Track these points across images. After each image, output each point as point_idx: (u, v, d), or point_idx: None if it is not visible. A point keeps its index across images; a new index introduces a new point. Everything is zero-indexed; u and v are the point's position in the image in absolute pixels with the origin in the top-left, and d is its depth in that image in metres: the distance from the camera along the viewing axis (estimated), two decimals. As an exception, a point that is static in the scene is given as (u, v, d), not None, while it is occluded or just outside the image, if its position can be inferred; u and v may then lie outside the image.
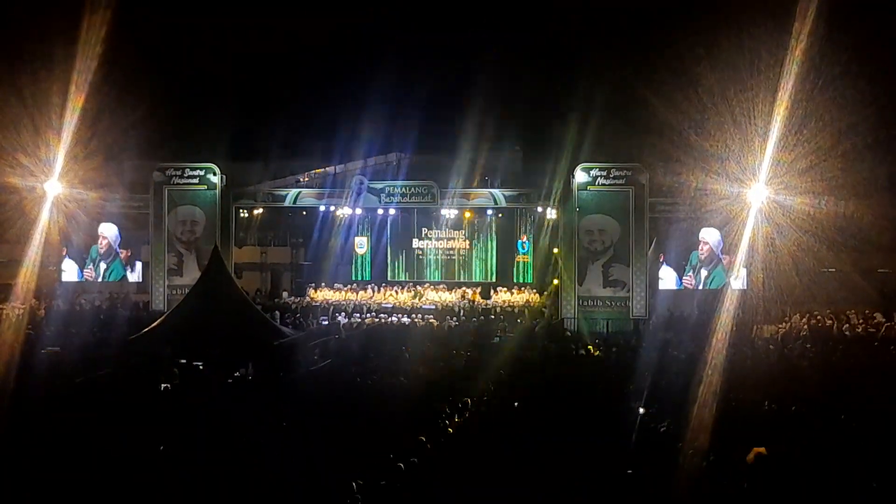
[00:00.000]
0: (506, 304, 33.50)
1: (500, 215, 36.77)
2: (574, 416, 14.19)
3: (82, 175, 31.10)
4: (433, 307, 33.03)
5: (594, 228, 31.40)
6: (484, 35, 35.84)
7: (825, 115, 26.89)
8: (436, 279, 37.05)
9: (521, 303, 33.67)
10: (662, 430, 14.12)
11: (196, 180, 32.64)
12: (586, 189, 31.48)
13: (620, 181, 31.39)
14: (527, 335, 28.74)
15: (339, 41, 38.70)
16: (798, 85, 26.48)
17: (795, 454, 12.21)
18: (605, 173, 31.40)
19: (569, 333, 29.93)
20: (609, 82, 31.61)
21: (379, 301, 33.89)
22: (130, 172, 33.25)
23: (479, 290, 34.78)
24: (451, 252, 37.90)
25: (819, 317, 29.62)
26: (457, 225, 37.38)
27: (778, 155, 27.73)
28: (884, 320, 29.44)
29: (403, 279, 37.22)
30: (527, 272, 37.32)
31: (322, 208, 34.67)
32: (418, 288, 35.08)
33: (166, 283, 32.39)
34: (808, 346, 25.81)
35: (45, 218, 30.98)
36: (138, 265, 33.66)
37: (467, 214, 36.09)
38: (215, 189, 32.57)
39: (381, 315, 32.30)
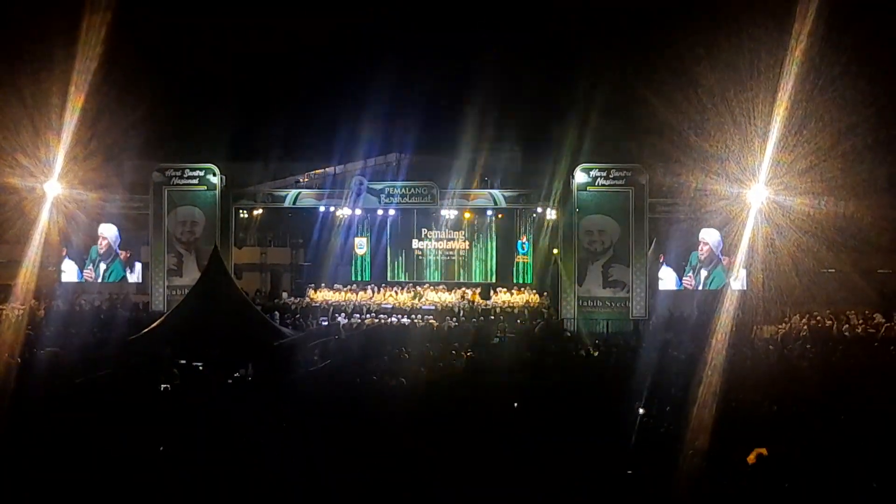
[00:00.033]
0: (506, 305, 33.48)
1: (499, 216, 36.78)
2: (574, 416, 14.18)
3: (82, 176, 31.09)
4: (433, 308, 33.02)
5: (594, 229, 31.40)
6: (484, 35, 35.84)
7: (825, 115, 26.90)
8: (436, 280, 37.06)
9: (520, 303, 33.66)
10: (662, 430, 14.13)
11: (196, 181, 32.64)
12: (586, 189, 31.48)
13: (620, 182, 31.40)
14: (527, 336, 28.74)
15: (339, 41, 38.70)
16: (798, 85, 26.49)
17: (795, 454, 12.21)
18: (604, 174, 31.40)
19: (568, 334, 29.92)
20: (609, 82, 31.64)
21: (379, 302, 33.88)
22: (130, 173, 33.24)
23: (478, 290, 34.77)
24: (451, 252, 37.91)
25: (819, 317, 29.62)
26: (457, 225, 37.40)
27: (778, 155, 27.74)
28: (883, 321, 29.44)
29: (403, 280, 37.23)
30: (527, 273, 37.33)
31: (322, 209, 34.67)
32: (418, 288, 35.08)
33: (166, 283, 32.39)
34: (808, 346, 25.79)
35: (44, 218, 30.97)
36: (138, 266, 33.64)
37: (467, 215, 36.11)
38: (215, 189, 32.58)
39: (381, 316, 32.29)
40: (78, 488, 11.07)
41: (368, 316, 32.34)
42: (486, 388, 17.92)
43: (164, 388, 18.74)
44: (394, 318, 31.89)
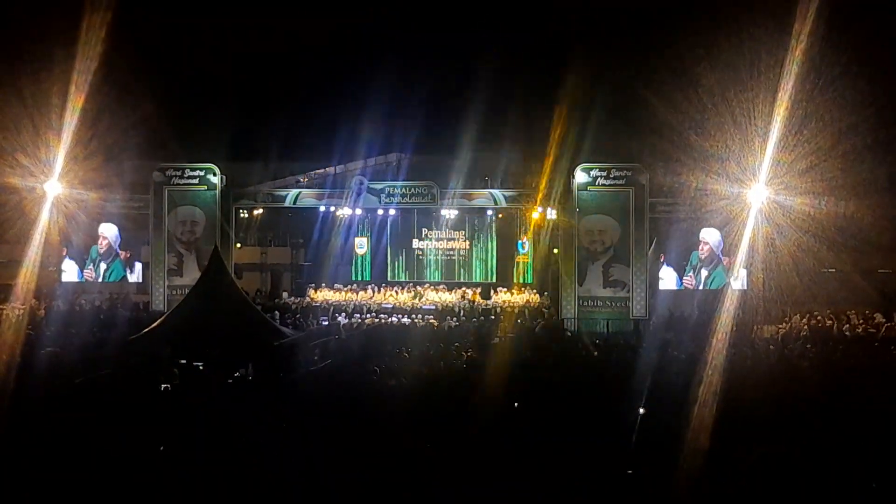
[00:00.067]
0: (506, 305, 33.47)
1: (500, 216, 36.78)
2: (574, 416, 14.18)
3: (82, 175, 31.10)
4: (433, 307, 33.01)
5: (594, 229, 31.41)
6: (484, 35, 35.83)
7: (825, 115, 26.88)
8: (436, 279, 37.05)
9: (521, 303, 33.65)
10: (662, 430, 14.11)
11: (196, 181, 32.65)
12: (586, 189, 31.48)
13: (620, 181, 31.40)
14: (527, 335, 28.72)
15: (339, 41, 38.69)
16: (798, 85, 26.48)
17: (795, 454, 12.20)
18: (605, 173, 31.40)
19: (569, 334, 29.91)
20: (609, 82, 31.63)
21: (379, 301, 33.88)
22: (130, 173, 33.23)
23: (479, 290, 34.75)
24: (451, 252, 37.90)
25: (819, 317, 29.62)
26: (457, 225, 37.39)
27: (778, 155, 27.73)
28: (884, 321, 29.44)
29: (403, 279, 37.22)
30: (527, 272, 37.31)
31: (322, 209, 34.66)
32: (418, 288, 35.07)
33: (166, 283, 32.41)
34: (809, 346, 25.77)
35: (45, 218, 30.97)
36: (138, 265, 33.67)
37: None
38: (215, 189, 32.59)
39: (382, 315, 32.29)
40: (78, 488, 11.07)
41: (369, 316, 32.34)
42: (486, 388, 17.92)
43: (164, 387, 18.74)
44: (394, 318, 31.89)
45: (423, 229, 37.69)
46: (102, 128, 30.02)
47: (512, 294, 34.69)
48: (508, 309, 33.01)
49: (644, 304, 31.19)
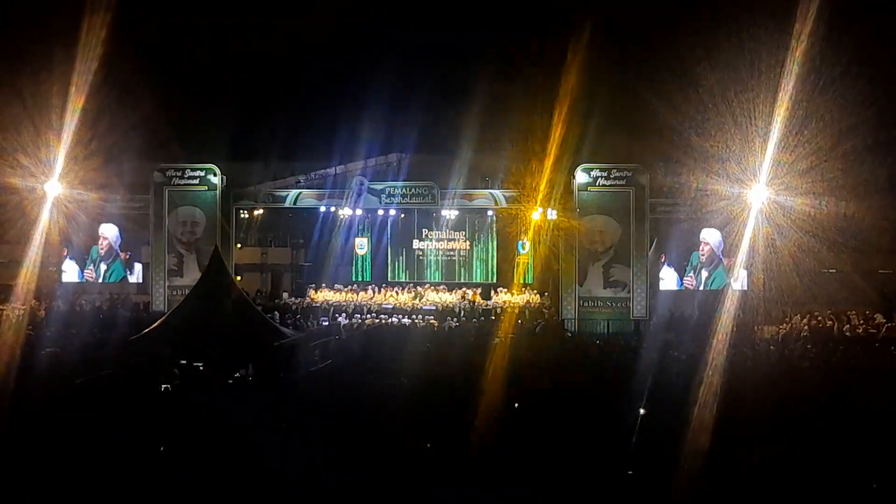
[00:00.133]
0: (506, 305, 33.46)
1: (500, 216, 36.73)
2: (574, 417, 14.19)
3: (83, 176, 31.08)
4: (433, 308, 33.00)
5: (595, 229, 31.41)
6: (484, 35, 35.81)
7: (826, 116, 26.87)
8: (436, 280, 37.03)
9: (521, 304, 33.63)
10: (663, 430, 14.11)
11: (196, 181, 32.66)
12: (587, 190, 31.49)
13: (621, 182, 31.41)
14: (527, 336, 28.71)
15: (339, 41, 38.68)
16: (798, 86, 26.47)
17: (796, 454, 12.20)
18: (605, 174, 31.42)
19: (569, 334, 29.90)
20: (610, 83, 31.58)
21: (379, 302, 33.86)
22: (130, 173, 33.16)
23: (479, 290, 34.74)
24: (452, 253, 37.88)
25: (819, 318, 29.62)
26: (457, 226, 37.37)
27: (778, 156, 27.71)
28: (884, 321, 29.45)
29: (404, 280, 37.20)
30: (527, 273, 37.27)
31: (322, 209, 34.67)
32: (419, 289, 35.05)
33: (167, 283, 32.42)
34: (809, 346, 25.80)
35: (45, 219, 30.96)
36: (138, 266, 33.66)
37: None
38: (215, 190, 32.60)
39: (382, 316, 32.28)
40: (78, 488, 11.07)
41: (369, 316, 32.33)
42: (486, 388, 17.92)
43: (165, 388, 18.76)
44: (394, 319, 31.88)
45: (424, 230, 37.67)
46: (103, 128, 30.01)
47: (512, 294, 34.67)
48: (509, 309, 32.98)
49: (644, 304, 31.20)
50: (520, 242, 36.75)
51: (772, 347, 25.60)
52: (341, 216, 35.87)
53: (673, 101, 27.68)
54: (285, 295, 35.17)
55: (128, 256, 33.58)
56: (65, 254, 33.26)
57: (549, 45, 32.23)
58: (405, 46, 35.96)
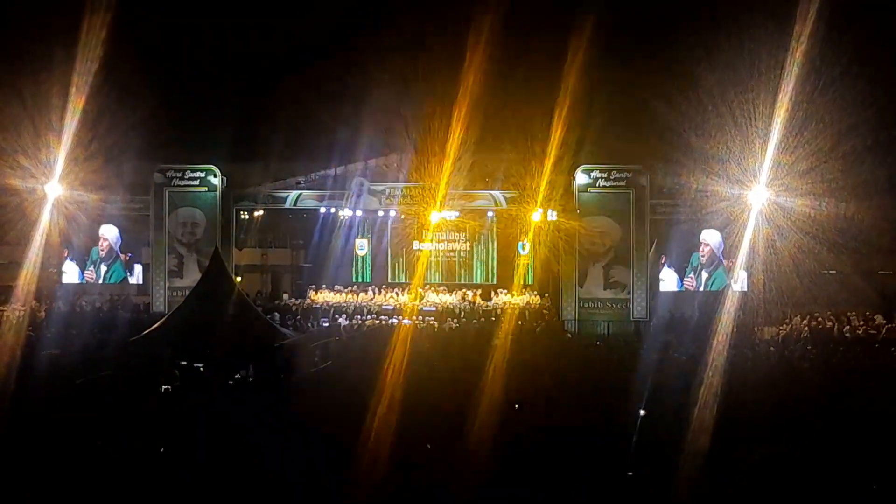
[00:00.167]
0: (506, 306, 33.43)
1: (500, 216, 36.68)
2: (574, 417, 14.19)
3: (83, 177, 31.07)
4: (434, 309, 32.97)
5: (595, 230, 31.39)
6: (483, 35, 35.79)
7: (825, 116, 26.88)
8: (436, 281, 36.98)
9: (521, 305, 33.62)
10: (663, 431, 14.12)
11: (196, 182, 32.67)
12: (587, 191, 31.49)
13: (621, 183, 31.42)
14: (527, 337, 28.70)
15: (338, 41, 38.65)
16: (798, 86, 26.49)
17: (795, 454, 12.21)
18: (605, 175, 31.42)
19: (569, 335, 29.89)
20: (610, 83, 31.57)
21: (379, 303, 33.84)
22: (131, 174, 33.15)
23: (479, 291, 34.72)
24: (452, 254, 37.84)
25: (820, 318, 29.60)
26: (457, 226, 37.30)
27: (778, 157, 27.73)
28: (884, 322, 29.43)
29: (404, 281, 37.16)
30: (527, 274, 37.23)
31: (323, 210, 34.65)
32: (419, 290, 34.99)
33: (167, 284, 32.42)
34: (809, 347, 25.81)
35: (45, 220, 30.94)
36: (139, 267, 33.65)
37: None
38: (216, 191, 32.60)
39: (382, 317, 32.26)
40: (78, 488, 11.08)
41: (369, 317, 32.31)
42: (486, 389, 17.92)
43: (165, 389, 18.78)
44: (394, 320, 31.86)
45: (424, 231, 37.58)
46: (103, 129, 29.99)
47: (512, 296, 34.65)
48: (509, 310, 32.97)
49: (644, 305, 31.20)
50: (520, 244, 36.76)
51: (772, 348, 25.61)
52: (341, 217, 35.85)
53: (673, 102, 27.68)
54: (285, 296, 35.14)
55: (128, 257, 33.57)
56: (65, 255, 33.24)
57: (550, 46, 32.23)
58: (405, 46, 35.91)
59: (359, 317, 32.33)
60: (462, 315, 32.39)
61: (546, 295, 34.35)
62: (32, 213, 30.75)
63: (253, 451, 12.27)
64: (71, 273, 33.44)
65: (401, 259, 37.73)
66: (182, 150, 33.31)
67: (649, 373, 19.15)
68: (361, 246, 37.92)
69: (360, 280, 37.52)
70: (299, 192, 33.45)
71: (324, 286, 35.38)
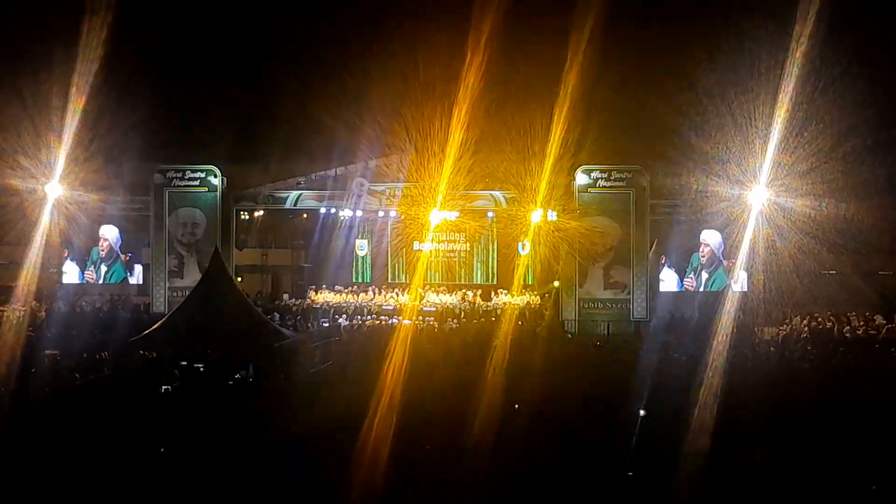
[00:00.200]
0: (506, 307, 33.42)
1: (500, 217, 36.68)
2: (574, 417, 14.20)
3: (83, 177, 31.06)
4: (434, 309, 32.96)
5: (595, 231, 31.36)
6: (483, 35, 35.79)
7: (826, 117, 26.90)
8: (436, 281, 36.96)
9: (521, 305, 33.62)
10: (663, 431, 14.12)
11: (197, 182, 32.65)
12: (587, 191, 31.48)
13: (621, 183, 31.40)
14: (527, 337, 28.70)
15: (338, 41, 38.64)
16: (798, 87, 26.51)
17: (795, 454, 12.21)
18: (605, 175, 31.40)
19: (569, 335, 29.88)
20: (610, 84, 31.58)
21: (379, 303, 33.84)
22: (131, 174, 33.12)
23: (479, 292, 34.72)
24: (452, 254, 37.83)
25: (820, 319, 29.58)
26: (457, 227, 37.28)
27: (778, 157, 27.74)
28: (884, 322, 29.42)
29: (404, 281, 37.15)
30: (527, 274, 37.22)
31: (323, 210, 34.63)
32: (419, 290, 34.98)
33: (167, 285, 32.40)
34: (809, 348, 25.81)
35: (45, 220, 30.93)
36: (139, 267, 33.62)
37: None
38: (216, 191, 32.59)
39: (382, 317, 32.25)
40: (78, 488, 11.08)
41: (369, 318, 32.31)
42: (486, 389, 17.93)
43: (165, 389, 18.77)
44: (395, 320, 31.84)
45: (424, 231, 37.56)
46: (103, 129, 29.99)
47: (512, 296, 34.64)
48: (509, 311, 32.96)
49: (644, 305, 31.19)
50: (520, 244, 36.74)
51: (772, 349, 25.62)
52: (342, 217, 35.83)
53: (673, 102, 27.69)
54: (285, 296, 35.13)
55: (128, 258, 33.54)
56: (65, 255, 33.21)
57: (550, 46, 32.23)
58: (405, 46, 35.92)
59: (359, 317, 32.33)
60: (462, 315, 32.39)
61: (546, 295, 34.33)
62: (33, 213, 30.74)
63: (253, 451, 12.28)
64: (71, 273, 33.41)
65: (401, 259, 37.66)
66: (182, 150, 33.31)
67: (649, 373, 19.16)
68: (361, 246, 37.90)
69: (360, 280, 37.50)
70: (299, 192, 33.44)
71: (324, 286, 35.35)
